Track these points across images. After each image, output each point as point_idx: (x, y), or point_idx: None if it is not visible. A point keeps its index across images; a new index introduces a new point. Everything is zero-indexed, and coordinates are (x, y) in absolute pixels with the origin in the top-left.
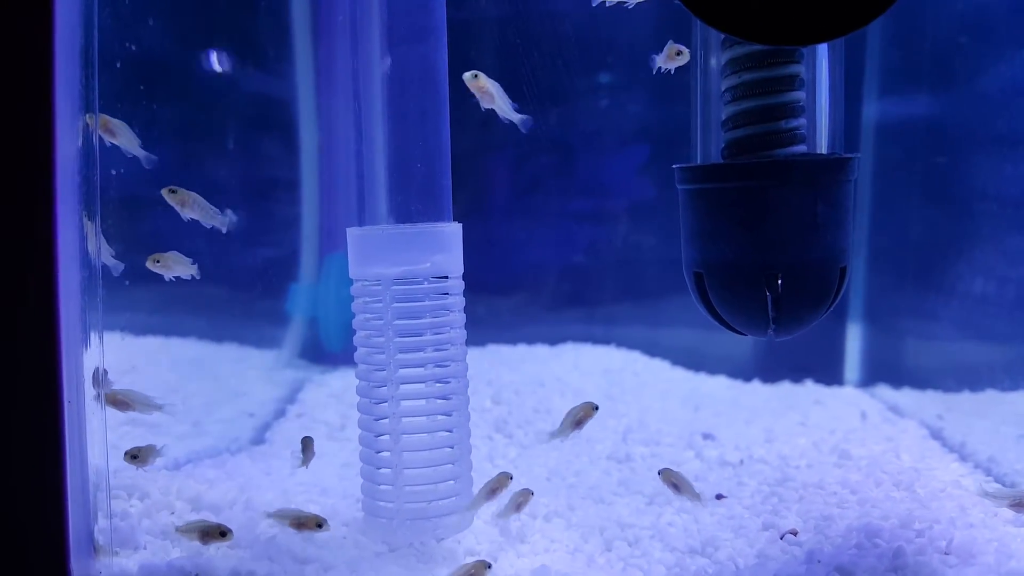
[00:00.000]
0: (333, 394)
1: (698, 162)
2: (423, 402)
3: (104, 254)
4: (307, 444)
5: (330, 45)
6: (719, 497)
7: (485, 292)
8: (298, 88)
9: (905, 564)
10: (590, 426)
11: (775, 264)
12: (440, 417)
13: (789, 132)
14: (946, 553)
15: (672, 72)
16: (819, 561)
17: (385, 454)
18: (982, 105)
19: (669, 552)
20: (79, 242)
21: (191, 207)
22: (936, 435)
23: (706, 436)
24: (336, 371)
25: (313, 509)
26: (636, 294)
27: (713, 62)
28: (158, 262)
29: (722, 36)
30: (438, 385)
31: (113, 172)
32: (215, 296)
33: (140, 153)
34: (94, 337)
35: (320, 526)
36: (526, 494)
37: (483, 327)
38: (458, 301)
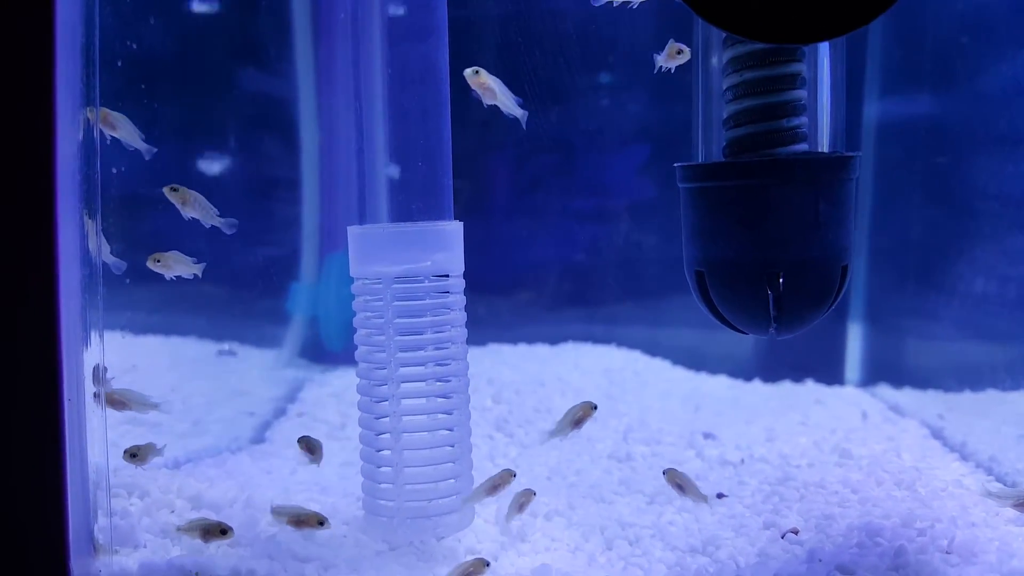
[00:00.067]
0: (333, 393)
1: (699, 160)
2: (424, 401)
3: (104, 252)
4: (312, 444)
5: (331, 44)
6: (720, 496)
7: (486, 291)
8: (299, 87)
9: (907, 563)
10: (591, 425)
11: (776, 262)
12: (441, 416)
13: (790, 130)
14: (947, 552)
15: (672, 71)
16: (820, 560)
17: (386, 453)
18: (983, 104)
19: (670, 551)
20: (80, 240)
21: (192, 206)
22: (937, 435)
23: (707, 435)
24: (336, 370)
25: (314, 508)
26: (637, 294)
27: (714, 60)
28: (159, 262)
29: (723, 35)
30: (439, 384)
31: (114, 170)
32: (216, 295)
33: (141, 146)
34: (94, 336)
35: (322, 524)
36: (528, 494)
37: (484, 326)
38: (459, 300)
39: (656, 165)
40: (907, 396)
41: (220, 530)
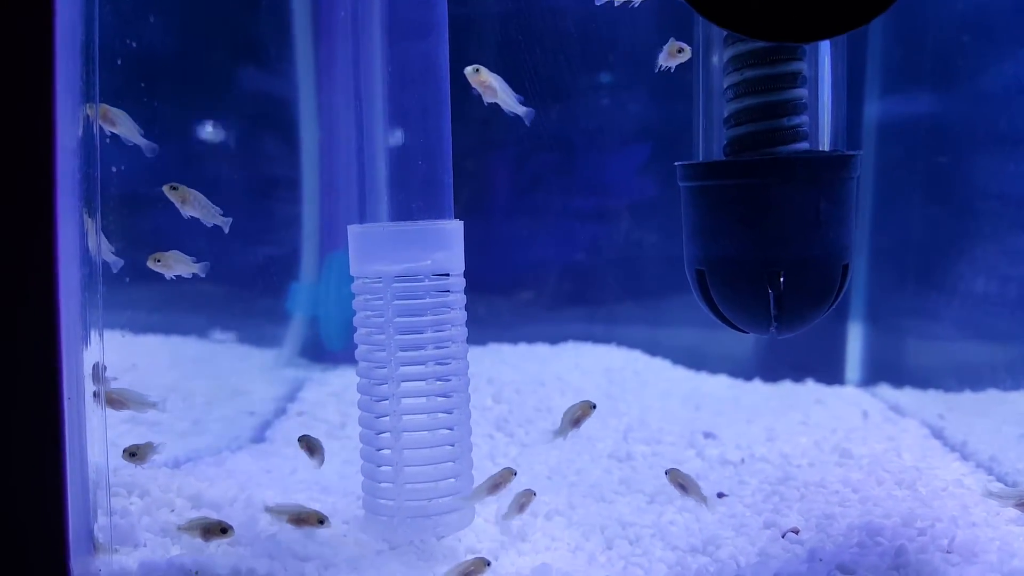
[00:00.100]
0: (333, 392)
1: (700, 159)
2: (424, 400)
3: (104, 250)
4: (313, 443)
5: (331, 43)
6: (720, 496)
7: (486, 290)
8: (299, 86)
9: (907, 562)
10: (591, 425)
11: (777, 261)
12: (441, 415)
13: (791, 129)
14: (948, 552)
15: (673, 70)
16: (821, 559)
17: (386, 452)
18: (984, 104)
19: (670, 551)
20: (79, 239)
21: (192, 204)
22: (937, 434)
23: (707, 435)
24: (336, 369)
25: (314, 507)
26: (637, 293)
27: (715, 59)
28: (159, 261)
29: (724, 33)
30: (439, 383)
31: (114, 169)
32: (216, 294)
33: (141, 142)
34: (94, 335)
35: (322, 522)
36: (528, 495)
37: (484, 325)
38: (459, 299)
39: (657, 164)
40: (907, 396)
41: (220, 529)
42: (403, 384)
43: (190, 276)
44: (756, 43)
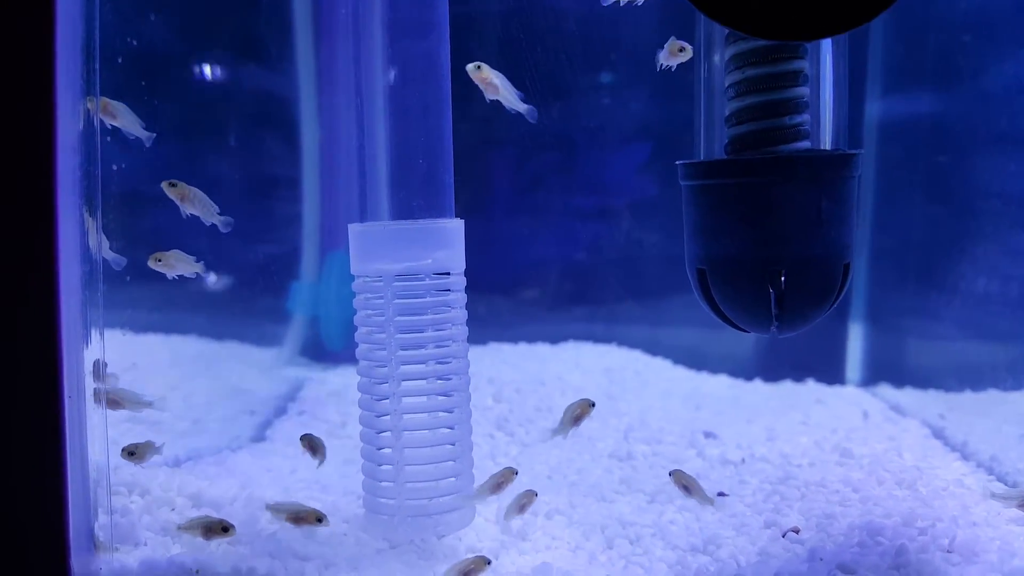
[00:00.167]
0: (334, 392)
1: (701, 158)
2: (424, 399)
3: (104, 249)
4: (314, 442)
5: (332, 41)
6: (721, 495)
7: (487, 290)
8: (299, 85)
9: (908, 562)
10: (592, 424)
11: (778, 260)
12: (441, 414)
13: (793, 128)
14: (949, 551)
15: (674, 69)
16: (821, 559)
17: (386, 451)
18: (985, 103)
19: (671, 550)
20: (80, 237)
21: (191, 202)
22: (938, 434)
23: (708, 435)
24: (337, 369)
25: (314, 506)
26: (638, 293)
27: (717, 58)
28: (160, 261)
29: (726, 31)
30: (439, 382)
31: (114, 167)
32: (216, 293)
33: (142, 134)
34: (95, 333)
35: (320, 520)
36: (530, 495)
37: (484, 325)
38: (460, 298)
39: (658, 163)
40: (908, 396)
41: (221, 528)
42: (404, 383)
43: (193, 276)
44: (758, 41)
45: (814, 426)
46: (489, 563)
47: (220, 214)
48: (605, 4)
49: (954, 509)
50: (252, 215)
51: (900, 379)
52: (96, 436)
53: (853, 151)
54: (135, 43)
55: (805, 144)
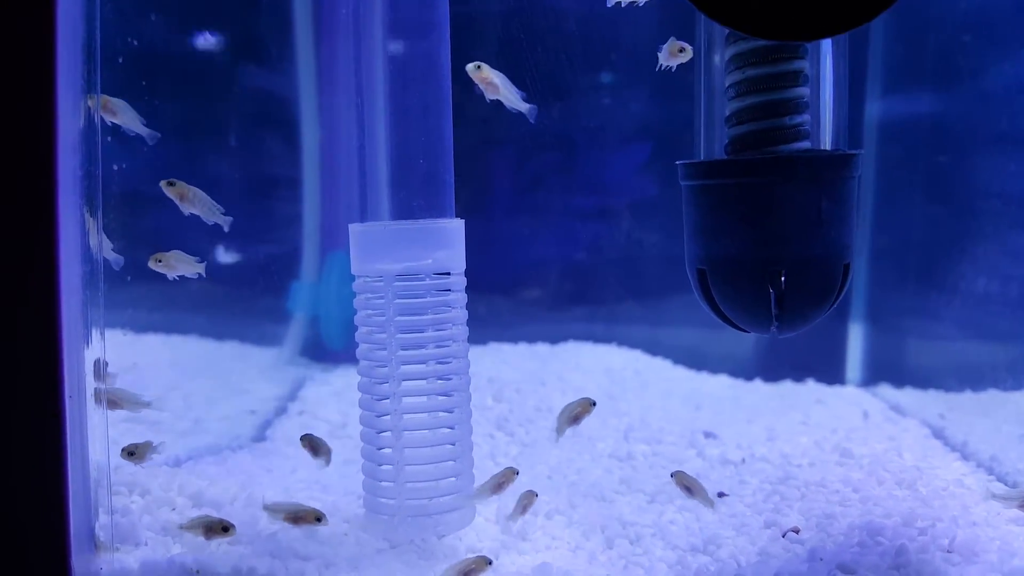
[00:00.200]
0: (334, 392)
1: (702, 158)
2: (425, 399)
3: (105, 249)
4: (316, 443)
5: (332, 41)
6: (721, 495)
7: (487, 289)
8: (300, 84)
9: (908, 562)
10: (592, 425)
11: (778, 260)
12: (442, 414)
13: (793, 128)
14: (949, 551)
15: (674, 69)
16: (821, 559)
17: (387, 451)
18: (985, 103)
19: (671, 550)
20: (81, 237)
21: (190, 201)
22: (938, 434)
23: (708, 435)
24: (337, 369)
25: (315, 506)
26: (638, 293)
27: (717, 58)
28: (160, 262)
29: (726, 32)
30: (440, 382)
31: (115, 167)
32: (216, 293)
33: (143, 131)
34: (95, 333)
35: (319, 520)
36: (531, 496)
37: (484, 325)
38: (460, 298)
39: (658, 163)
40: (908, 396)
41: (222, 527)
42: (404, 383)
43: (195, 276)
44: (758, 41)
45: (814, 426)
46: (490, 563)
47: (224, 214)
48: (609, 5)
49: (954, 509)
50: (253, 215)
51: (900, 379)
52: (97, 436)
53: (853, 151)
54: (136, 43)
55: (805, 144)
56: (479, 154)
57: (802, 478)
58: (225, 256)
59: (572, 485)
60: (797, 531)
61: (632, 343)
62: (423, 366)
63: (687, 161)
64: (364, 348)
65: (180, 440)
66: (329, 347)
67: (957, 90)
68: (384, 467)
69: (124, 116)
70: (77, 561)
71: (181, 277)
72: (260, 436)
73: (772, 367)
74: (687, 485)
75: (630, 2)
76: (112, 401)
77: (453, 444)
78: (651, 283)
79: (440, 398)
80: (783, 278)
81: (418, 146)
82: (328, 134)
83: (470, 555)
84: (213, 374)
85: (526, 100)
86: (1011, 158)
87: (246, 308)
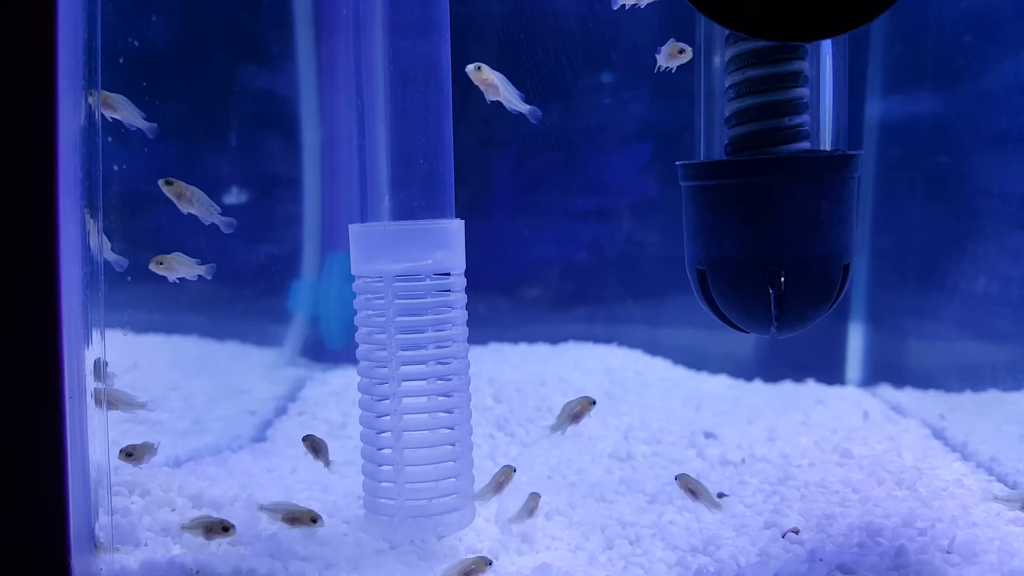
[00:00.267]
0: (334, 392)
1: (701, 159)
2: (425, 399)
3: (106, 250)
4: (318, 444)
5: (332, 41)
6: (721, 496)
7: (487, 290)
8: (300, 84)
9: (907, 563)
10: (592, 425)
11: (778, 261)
12: (442, 414)
13: (793, 129)
14: (948, 552)
15: (674, 70)
16: (821, 559)
17: (386, 451)
18: (985, 103)
19: (671, 550)
20: (81, 238)
21: (188, 201)
22: (938, 435)
23: (708, 435)
24: (337, 369)
25: (314, 506)
26: (638, 293)
27: (717, 59)
28: (161, 264)
29: (726, 32)
30: (440, 382)
31: (115, 167)
32: (217, 294)
33: (143, 124)
34: (96, 334)
35: (315, 521)
36: (535, 498)
37: (485, 325)
38: (460, 298)
39: (658, 164)
40: (908, 396)
41: (222, 527)
42: (404, 383)
43: (195, 278)
44: (758, 42)
45: (814, 426)
46: (490, 563)
47: (222, 214)
48: (615, 7)
49: (954, 510)
50: (253, 214)
51: (900, 379)
52: (97, 436)
53: (853, 152)
54: (136, 43)
55: (805, 145)
56: (480, 154)
57: (802, 478)
58: (232, 197)
59: (572, 485)
60: (797, 532)
61: (632, 343)
62: (423, 366)
63: (687, 162)
64: (364, 348)
65: (180, 440)
66: (329, 347)
67: (957, 90)
68: (384, 467)
69: (124, 111)
70: (77, 562)
71: (182, 279)
72: (260, 436)
73: (772, 367)
74: (691, 488)
75: (633, 3)
76: (107, 402)
77: (453, 444)
78: (651, 283)
79: (440, 398)
80: (783, 279)
81: (418, 146)
82: (328, 134)
83: (470, 555)
84: (213, 374)
85: (526, 101)
86: (1011, 158)
87: (246, 308)
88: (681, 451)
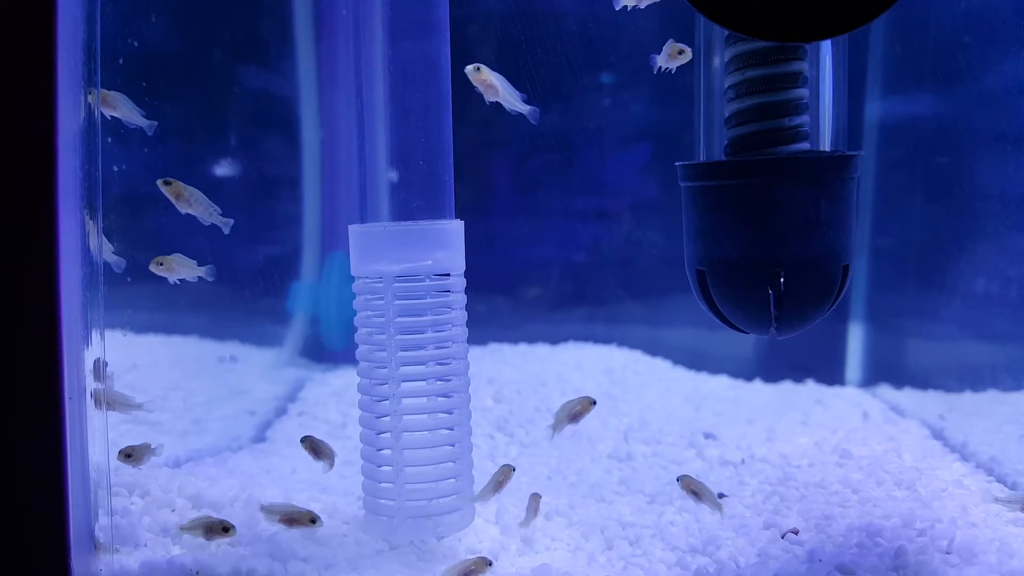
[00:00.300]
0: (334, 392)
1: (701, 159)
2: (424, 400)
3: (105, 251)
4: (317, 445)
5: (332, 42)
6: (720, 496)
7: (487, 290)
8: (300, 85)
9: (906, 563)
10: (592, 425)
11: (777, 261)
12: (441, 415)
13: (792, 129)
14: (947, 552)
15: (673, 71)
16: (820, 560)
17: (386, 452)
18: (985, 104)
19: (670, 551)
20: (81, 238)
21: (187, 201)
22: (938, 435)
23: (707, 435)
24: (337, 369)
25: (314, 507)
26: (638, 293)
27: (716, 59)
28: (161, 265)
29: (726, 33)
30: (439, 383)
31: (115, 168)
32: (217, 294)
33: (142, 122)
34: (95, 334)
35: (313, 522)
36: (536, 498)
37: (484, 325)
38: (460, 299)
39: (658, 164)
40: (908, 396)
41: (222, 527)
42: (403, 384)
43: (196, 280)
44: (757, 43)
45: (814, 427)
46: (490, 564)
47: (222, 215)
48: (617, 8)
49: (953, 510)
50: (253, 215)
51: (900, 380)
52: (96, 437)
53: (852, 152)
54: (136, 44)
55: (804, 146)
56: (480, 155)
57: (801, 479)
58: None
59: (572, 486)
60: (796, 532)
61: (632, 343)
62: (423, 367)
63: (687, 162)
64: (364, 349)
65: (180, 441)
66: (329, 348)
67: (957, 91)
68: (384, 468)
69: (123, 109)
70: (77, 562)
71: (182, 280)
72: (260, 437)
73: (772, 367)
74: (694, 490)
75: (634, 5)
76: (105, 403)
77: (453, 445)
78: (651, 283)
79: (440, 399)
80: (782, 279)
81: (418, 147)
82: (328, 134)
83: (470, 556)
84: (213, 375)
85: (526, 102)
86: (1011, 159)
87: (246, 309)
88: (681, 451)
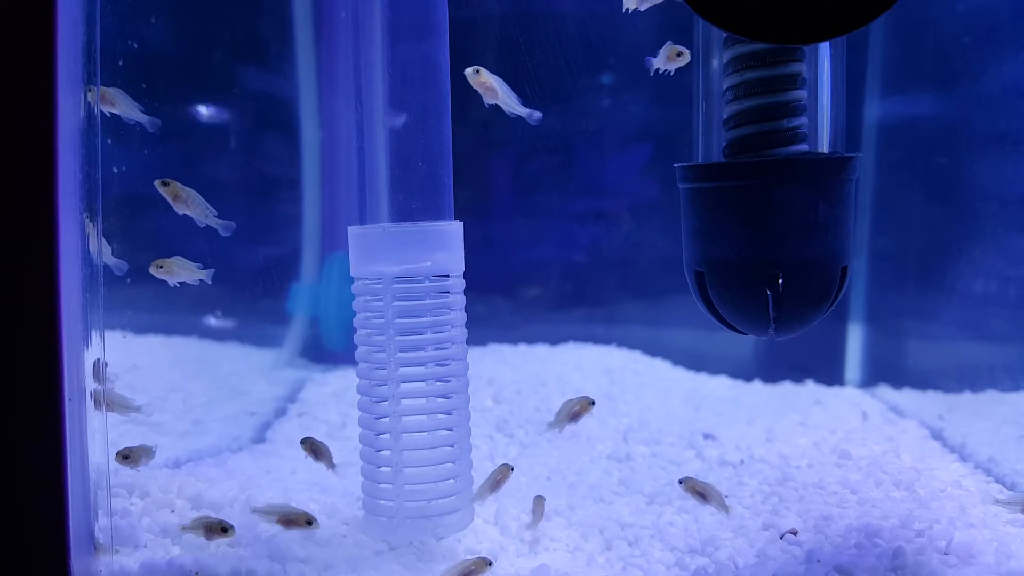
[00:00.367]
0: (334, 393)
1: (700, 161)
2: (424, 401)
3: (105, 253)
4: (317, 446)
5: (332, 43)
6: None
7: (486, 291)
8: (300, 86)
9: (905, 564)
10: (591, 426)
11: (776, 263)
12: (440, 416)
13: (791, 131)
14: (946, 553)
15: (672, 73)
16: (819, 561)
17: (385, 453)
18: (984, 105)
19: (669, 551)
20: (80, 240)
21: (184, 202)
22: (937, 435)
23: (707, 436)
24: (337, 370)
25: (313, 508)
26: (637, 294)
27: (715, 61)
28: (161, 268)
29: (724, 35)
30: (439, 384)
31: (115, 170)
32: (216, 295)
33: (142, 118)
34: (95, 335)
35: (310, 523)
36: (541, 501)
37: (484, 326)
38: (459, 300)
39: (657, 165)
40: (907, 397)
41: (222, 528)
42: (403, 385)
43: (197, 282)
44: (756, 45)
45: (813, 427)
46: (490, 564)
47: (220, 217)
48: (624, 9)
49: (952, 511)
50: (253, 216)
51: (899, 380)
52: (96, 437)
53: (851, 154)
54: (135, 45)
55: (803, 147)
56: (479, 156)
57: (800, 479)
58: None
59: (571, 486)
60: (795, 533)
61: (631, 344)
62: (422, 368)
63: (685, 164)
64: (363, 350)
65: (180, 441)
66: (328, 348)
67: (956, 91)
68: (383, 469)
69: (121, 105)
70: (77, 563)
71: (182, 283)
72: (260, 438)
73: (771, 368)
74: (700, 491)
75: (635, 7)
76: (104, 404)
77: (452, 446)
78: (650, 284)
79: (439, 400)
80: (781, 281)
81: (417, 148)
82: (328, 135)
83: (469, 556)
84: (213, 375)
85: (525, 104)
86: (1010, 159)
87: (246, 309)
88: (680, 452)
